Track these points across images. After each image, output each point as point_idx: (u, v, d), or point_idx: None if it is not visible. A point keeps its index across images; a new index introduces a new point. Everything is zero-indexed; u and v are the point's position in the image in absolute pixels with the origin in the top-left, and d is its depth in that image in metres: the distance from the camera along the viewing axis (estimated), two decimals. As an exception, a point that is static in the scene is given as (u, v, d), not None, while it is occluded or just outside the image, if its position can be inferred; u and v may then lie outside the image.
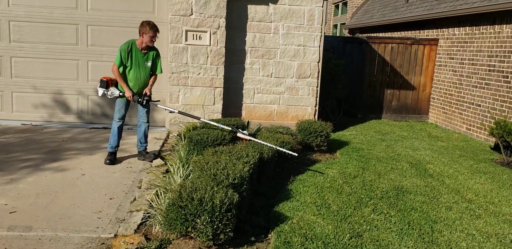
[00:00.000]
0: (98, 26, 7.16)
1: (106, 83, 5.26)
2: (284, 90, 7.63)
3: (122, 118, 5.44)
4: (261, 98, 7.64)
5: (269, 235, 3.68)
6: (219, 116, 7.23)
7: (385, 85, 10.09)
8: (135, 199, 4.29)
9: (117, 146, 5.46)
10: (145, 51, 5.35)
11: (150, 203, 4.02)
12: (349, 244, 3.56)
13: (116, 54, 5.32)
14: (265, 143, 5.06)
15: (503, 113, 7.43)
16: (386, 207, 4.46)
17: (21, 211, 3.87)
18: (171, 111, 5.59)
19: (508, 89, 7.50)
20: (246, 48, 7.40)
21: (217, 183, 3.52)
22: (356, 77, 10.19)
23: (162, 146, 6.38)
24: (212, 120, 5.82)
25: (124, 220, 3.80)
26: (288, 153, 5.18)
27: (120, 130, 5.45)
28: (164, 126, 7.45)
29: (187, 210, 3.10)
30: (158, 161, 5.43)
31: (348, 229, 3.84)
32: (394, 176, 5.56)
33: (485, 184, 5.45)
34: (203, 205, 3.10)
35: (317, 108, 7.83)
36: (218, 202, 3.09)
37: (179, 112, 5.56)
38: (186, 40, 7.00)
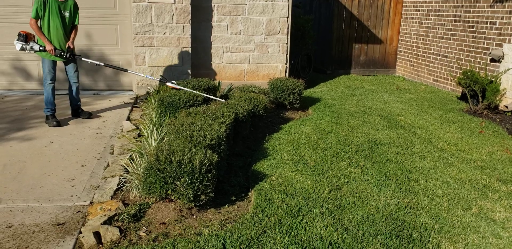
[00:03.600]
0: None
1: (25, 37, 5.08)
2: (254, 48, 7.44)
3: (54, 79, 5.37)
4: (231, 58, 7.44)
5: (249, 194, 3.67)
6: (188, 77, 7.03)
7: (353, 40, 10.00)
8: (108, 165, 4.16)
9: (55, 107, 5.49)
10: (63, 0, 5.19)
11: (125, 168, 3.92)
12: (329, 198, 3.59)
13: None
14: (194, 91, 5.30)
15: (469, 63, 7.52)
16: (362, 160, 4.51)
17: (-11, 183, 3.70)
18: (97, 64, 5.55)
19: (473, 39, 7.55)
20: (213, 4, 7.10)
21: (194, 144, 3.42)
22: (324, 33, 10.05)
23: (131, 110, 6.18)
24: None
25: (99, 186, 3.69)
26: (216, 99, 5.37)
27: (53, 91, 5.40)
28: (132, 90, 7.20)
29: (166, 172, 3.01)
30: (129, 126, 5.26)
31: (326, 183, 3.87)
32: (367, 129, 5.60)
33: (455, 133, 5.57)
34: (183, 167, 3.01)
35: (287, 65, 7.72)
36: (197, 163, 3.01)
37: (105, 65, 5.62)
38: (149, -3, 6.64)
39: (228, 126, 4.10)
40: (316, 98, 7.36)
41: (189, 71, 7.05)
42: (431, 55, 8.81)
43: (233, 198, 3.53)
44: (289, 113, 6.39)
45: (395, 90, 8.30)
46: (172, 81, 5.58)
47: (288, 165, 4.24)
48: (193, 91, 5.38)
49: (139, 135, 4.97)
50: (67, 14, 5.23)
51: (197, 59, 7.22)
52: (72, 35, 5.36)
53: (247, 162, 4.37)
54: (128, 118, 5.75)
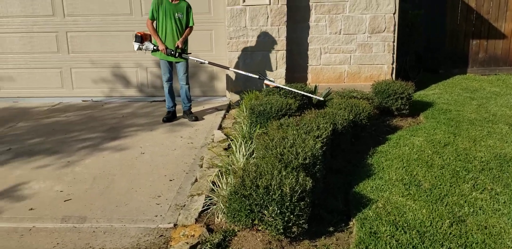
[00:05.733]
0: (151, -7, 6.67)
1: (141, 38, 5.43)
2: (355, 48, 6.81)
3: (169, 80, 5.67)
4: (329, 59, 6.88)
5: (350, 223, 3.12)
6: (283, 81, 6.61)
7: (469, 35, 8.83)
8: (196, 180, 3.89)
9: (173, 105, 5.80)
10: (176, 2, 5.41)
11: (212, 186, 3.59)
12: (450, 233, 2.92)
13: None
14: (293, 89, 5.23)
15: None
16: (489, 182, 3.71)
17: (77, 199, 3.60)
18: (201, 62, 5.60)
19: None
20: (310, 3, 6.60)
21: (285, 164, 2.98)
22: (435, 29, 9.00)
23: (224, 117, 5.93)
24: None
25: (184, 206, 3.41)
26: (314, 98, 5.33)
27: (170, 90, 5.71)
28: (225, 96, 6.97)
29: (252, 199, 2.60)
30: (220, 135, 4.97)
31: (446, 213, 3.18)
32: (493, 141, 4.71)
33: None
34: (270, 193, 2.58)
35: (394, 66, 6.96)
36: (288, 190, 2.56)
37: (209, 63, 5.61)
38: (243, 1, 6.33)
39: (324, 140, 3.59)
40: (427, 102, 6.51)
41: (284, 75, 6.63)
42: None
43: (331, 228, 3.01)
44: (397, 121, 5.68)
45: (524, 93, 7.11)
46: (270, 79, 5.53)
47: (397, 187, 3.61)
48: (292, 89, 5.28)
49: (229, 146, 4.66)
50: (180, 15, 5.41)
51: (291, 62, 6.78)
52: (183, 35, 5.48)
53: (347, 181, 3.82)
54: (220, 127, 5.49)
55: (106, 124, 5.66)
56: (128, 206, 3.46)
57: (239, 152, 3.72)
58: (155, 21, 5.44)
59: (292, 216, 2.61)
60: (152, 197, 3.61)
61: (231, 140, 4.36)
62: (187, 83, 5.71)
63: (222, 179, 3.42)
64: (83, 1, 6.74)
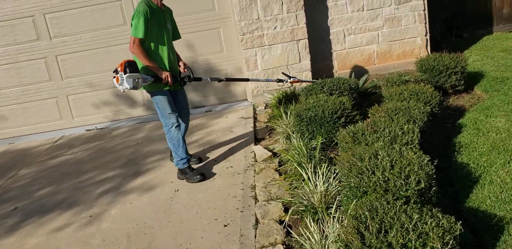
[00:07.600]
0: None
1: (135, 67, 3.53)
2: (382, 23, 5.94)
3: (178, 120, 3.89)
4: (355, 41, 6.01)
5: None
6: (309, 74, 5.78)
7: (492, -10, 7.94)
8: (257, 221, 3.05)
9: (190, 155, 4.13)
10: (163, 8, 3.80)
11: (286, 228, 2.76)
12: None
13: None
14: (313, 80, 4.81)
15: None
16: None
17: (116, 272, 2.77)
18: (219, 81, 4.37)
19: None
20: (325, -20, 5.73)
21: (394, 194, 2.13)
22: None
23: (255, 126, 5.06)
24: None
25: (259, 265, 2.58)
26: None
27: (183, 136, 3.97)
28: (246, 99, 6.11)
29: (383, 266, 1.77)
30: (263, 152, 4.11)
31: None
32: None
33: None
34: (409, 254, 1.75)
35: (428, 37, 6.11)
36: (438, 245, 1.72)
37: (227, 79, 4.54)
38: (251, -11, 5.44)
39: (417, 146, 2.75)
40: (474, 72, 5.64)
41: (309, 66, 5.77)
42: None
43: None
44: (454, 100, 4.85)
45: None
46: (291, 76, 4.87)
47: (523, 194, 2.77)
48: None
49: (280, 165, 3.82)
50: (169, 26, 3.83)
51: (313, 50, 5.91)
52: (176, 52, 3.96)
53: (448, 192, 2.98)
54: (256, 140, 4.64)
55: (121, 156, 4.81)
56: (184, 274, 2.63)
57: (311, 179, 2.85)
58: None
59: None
60: (211, 254, 2.78)
61: (277, 157, 3.51)
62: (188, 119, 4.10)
63: (304, 221, 2.57)
64: (70, 18, 5.83)
